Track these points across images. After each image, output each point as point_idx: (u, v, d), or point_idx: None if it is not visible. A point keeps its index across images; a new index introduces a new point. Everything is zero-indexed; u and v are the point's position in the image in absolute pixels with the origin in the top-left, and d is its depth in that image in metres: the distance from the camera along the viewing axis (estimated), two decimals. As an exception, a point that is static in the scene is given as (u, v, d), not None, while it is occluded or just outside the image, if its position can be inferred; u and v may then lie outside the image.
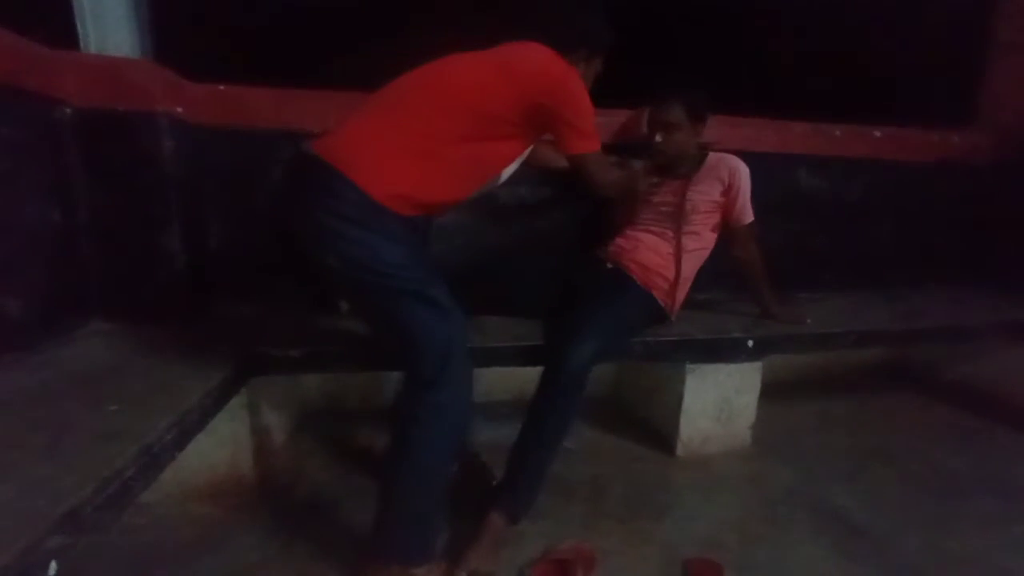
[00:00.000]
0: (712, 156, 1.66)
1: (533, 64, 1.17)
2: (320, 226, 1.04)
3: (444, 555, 1.16)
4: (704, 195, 1.61)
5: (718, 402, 1.70)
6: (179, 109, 1.54)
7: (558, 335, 1.37)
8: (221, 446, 1.39)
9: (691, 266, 1.63)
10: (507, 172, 1.33)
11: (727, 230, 1.67)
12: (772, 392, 1.80)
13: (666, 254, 1.61)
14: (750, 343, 1.64)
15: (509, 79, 1.14)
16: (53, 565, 0.67)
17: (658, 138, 1.58)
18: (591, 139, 1.26)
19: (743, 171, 1.61)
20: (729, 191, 1.61)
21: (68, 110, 1.39)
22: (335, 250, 1.04)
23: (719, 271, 1.72)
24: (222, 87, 1.68)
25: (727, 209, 1.63)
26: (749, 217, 1.63)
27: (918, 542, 1.32)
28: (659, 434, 1.79)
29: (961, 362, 2.28)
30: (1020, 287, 2.27)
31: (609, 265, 1.65)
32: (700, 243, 1.64)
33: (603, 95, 1.93)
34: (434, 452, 1.07)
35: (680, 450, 1.70)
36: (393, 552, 1.08)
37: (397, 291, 1.06)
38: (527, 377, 1.80)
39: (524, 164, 1.39)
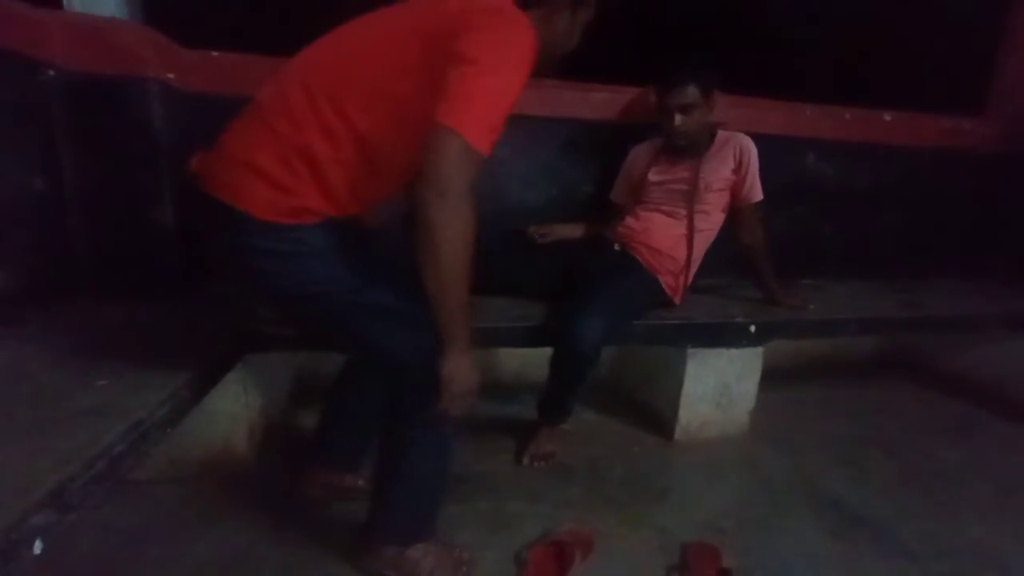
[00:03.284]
0: (722, 134, 1.64)
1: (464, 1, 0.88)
2: (232, 269, 0.93)
3: (440, 536, 1.14)
4: (716, 173, 1.60)
5: (718, 387, 1.69)
6: (171, 75, 1.47)
7: (566, 315, 1.38)
8: (215, 424, 1.36)
9: (701, 247, 1.63)
10: None
11: (735, 211, 1.64)
12: (771, 378, 1.78)
13: (677, 235, 1.60)
14: (752, 328, 1.62)
15: (418, 25, 0.87)
16: (38, 543, 0.64)
17: (678, 120, 1.54)
18: (480, 126, 0.80)
19: (753, 148, 1.60)
20: (740, 168, 1.60)
21: (52, 72, 1.33)
22: (259, 290, 0.95)
23: (723, 256, 1.70)
24: (216, 54, 1.61)
25: (737, 187, 1.61)
26: (758, 195, 1.61)
27: (914, 530, 1.31)
28: (658, 418, 1.78)
29: (961, 353, 2.27)
30: (1022, 279, 2.25)
31: (616, 247, 1.63)
32: (710, 223, 1.63)
33: (609, 72, 1.92)
34: (436, 446, 1.04)
35: (679, 434, 1.69)
36: (390, 535, 1.06)
37: (339, 310, 0.93)
38: (528, 357, 1.79)
39: None
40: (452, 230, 0.81)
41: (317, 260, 0.90)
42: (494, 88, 0.81)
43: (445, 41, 0.82)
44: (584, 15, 1.04)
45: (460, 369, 0.91)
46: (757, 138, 1.63)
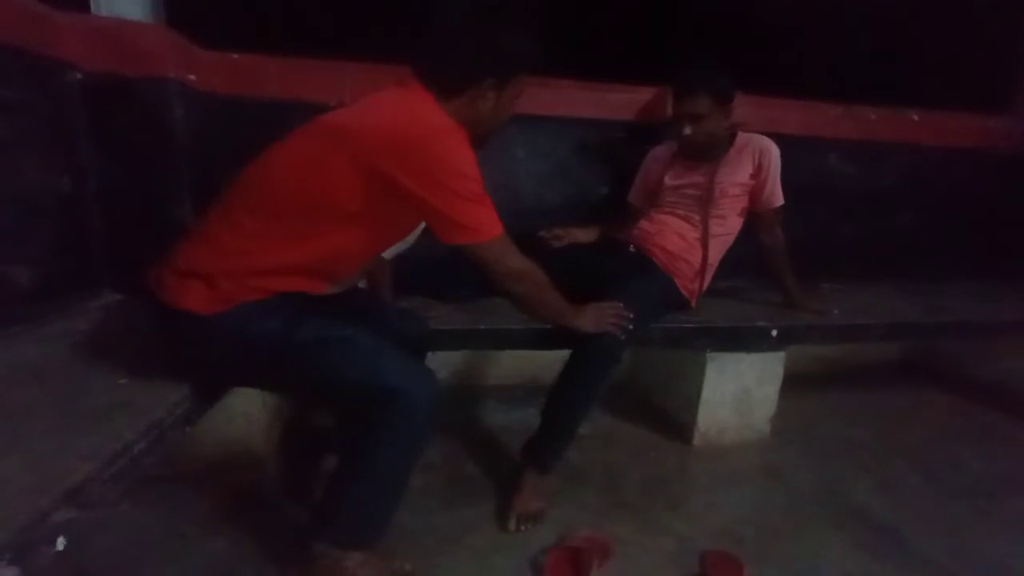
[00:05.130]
0: (741, 137, 1.59)
1: (373, 117, 0.95)
2: (201, 368, 1.01)
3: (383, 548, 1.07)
4: (733, 177, 1.55)
5: (738, 392, 1.66)
6: (192, 77, 1.49)
7: None
8: (233, 422, 1.37)
9: (717, 252, 1.59)
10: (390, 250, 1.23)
11: (754, 215, 1.60)
12: (792, 383, 1.75)
13: (692, 239, 1.56)
14: (774, 333, 1.59)
15: (339, 142, 0.93)
16: (61, 540, 0.65)
17: (687, 131, 1.50)
18: (482, 223, 1.00)
19: (774, 152, 1.54)
20: (759, 173, 1.55)
21: (77, 75, 1.35)
22: (228, 374, 1.05)
23: (743, 258, 1.66)
24: (236, 56, 1.63)
25: (756, 192, 1.56)
26: (779, 200, 1.57)
27: (942, 542, 1.27)
28: (676, 423, 1.75)
29: (989, 358, 2.21)
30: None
31: (632, 248, 1.60)
32: (726, 228, 1.58)
33: (626, 71, 1.90)
34: (406, 446, 0.98)
35: (697, 439, 1.67)
36: (333, 534, 0.99)
37: (285, 366, 0.96)
38: (540, 361, 1.76)
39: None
40: (527, 289, 1.15)
41: (249, 328, 0.95)
42: (467, 195, 0.97)
43: (392, 169, 0.92)
44: (515, 90, 1.07)
45: (588, 323, 1.26)
46: (777, 139, 1.58)
